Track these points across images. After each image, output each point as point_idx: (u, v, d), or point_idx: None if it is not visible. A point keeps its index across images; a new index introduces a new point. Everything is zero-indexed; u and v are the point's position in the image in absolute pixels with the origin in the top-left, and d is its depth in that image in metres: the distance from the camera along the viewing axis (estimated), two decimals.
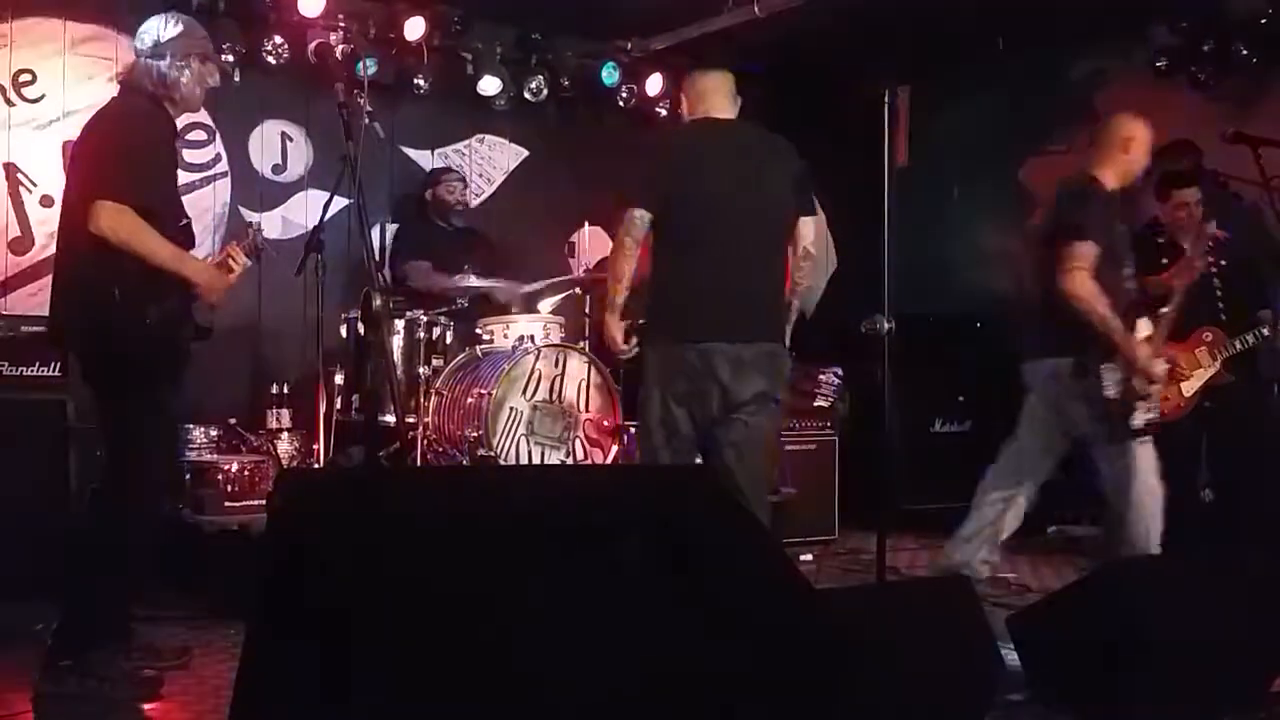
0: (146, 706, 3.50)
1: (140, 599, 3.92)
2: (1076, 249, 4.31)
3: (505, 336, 5.74)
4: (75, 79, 5.92)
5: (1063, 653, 3.38)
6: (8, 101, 5.83)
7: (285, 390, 5.83)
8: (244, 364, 6.35)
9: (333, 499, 2.11)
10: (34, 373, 4.80)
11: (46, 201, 5.81)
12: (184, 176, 5.77)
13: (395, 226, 6.76)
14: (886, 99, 4.42)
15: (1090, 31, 7.05)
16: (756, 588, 2.29)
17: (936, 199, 7.92)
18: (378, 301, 4.51)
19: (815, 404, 6.57)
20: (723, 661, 2.09)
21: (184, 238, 3.75)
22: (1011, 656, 3.48)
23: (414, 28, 6.54)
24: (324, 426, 5.08)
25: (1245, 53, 6.39)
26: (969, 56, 7.46)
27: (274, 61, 6.25)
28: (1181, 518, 4.61)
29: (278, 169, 6.60)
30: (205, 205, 6.27)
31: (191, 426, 5.52)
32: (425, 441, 5.53)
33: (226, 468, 5.20)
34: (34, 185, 5.88)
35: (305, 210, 6.50)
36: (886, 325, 4.41)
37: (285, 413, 5.76)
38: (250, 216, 6.36)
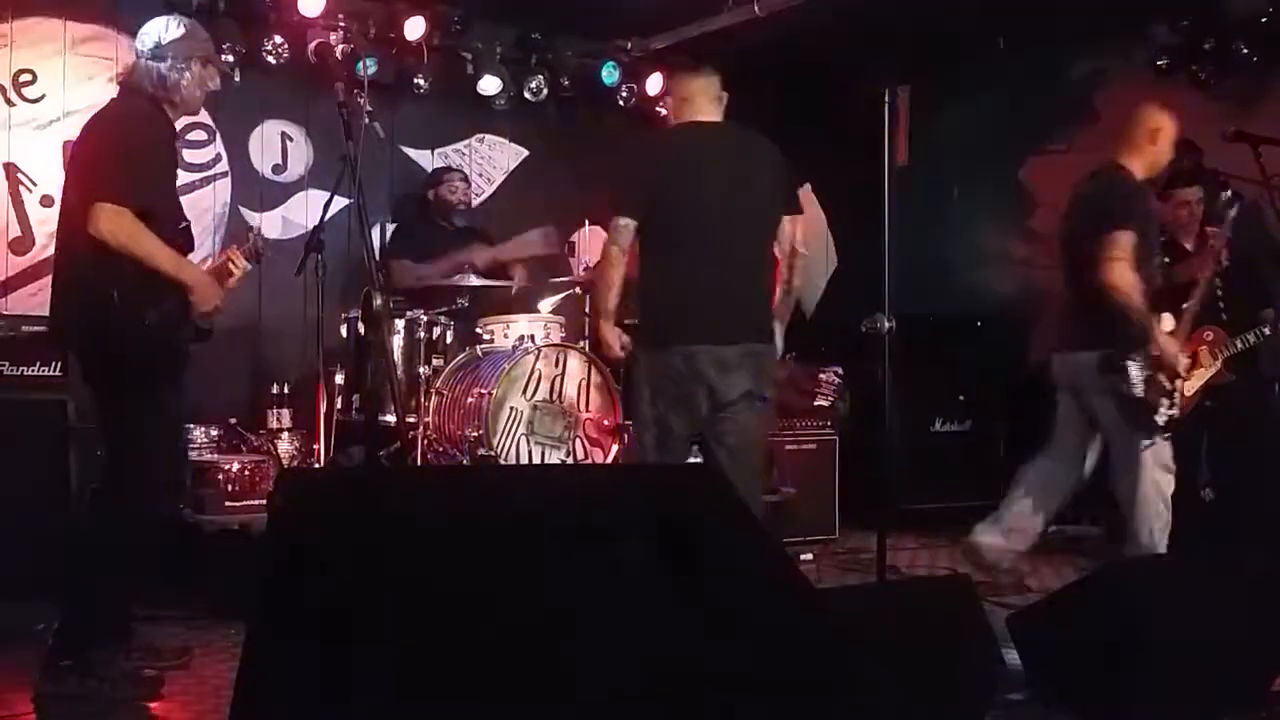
0: (147, 706, 3.50)
1: (140, 599, 3.93)
2: (1118, 239, 4.32)
3: (505, 336, 5.73)
4: (75, 79, 5.92)
5: (1063, 652, 3.38)
6: (8, 101, 5.83)
7: (285, 390, 5.83)
8: (244, 364, 6.34)
9: (333, 499, 2.11)
10: (34, 373, 4.80)
11: (47, 201, 5.80)
12: (184, 176, 5.77)
13: (395, 226, 6.76)
14: (886, 99, 4.43)
15: (1090, 31, 7.04)
16: (757, 588, 2.29)
17: (936, 199, 7.92)
18: (378, 301, 4.50)
19: (815, 403, 6.57)
20: (723, 661, 2.09)
21: (183, 240, 3.76)
22: (1012, 656, 3.48)
23: (414, 27, 6.54)
24: (324, 426, 5.08)
25: (1245, 52, 6.39)
26: (969, 56, 7.46)
27: (274, 61, 6.24)
28: (1181, 518, 4.62)
29: (278, 169, 6.60)
30: (205, 205, 6.27)
31: (192, 426, 5.52)
32: (425, 441, 5.53)
33: (227, 467, 5.20)
34: (34, 185, 5.88)
35: (305, 210, 6.50)
36: (887, 325, 4.42)
37: (286, 412, 5.76)
38: (250, 216, 6.36)
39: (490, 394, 5.35)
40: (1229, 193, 5.01)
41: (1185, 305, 4.68)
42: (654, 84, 7.36)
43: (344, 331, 5.86)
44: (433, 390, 5.59)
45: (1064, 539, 6.52)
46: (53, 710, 3.44)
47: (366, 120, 4.44)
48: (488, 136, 7.30)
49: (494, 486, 2.50)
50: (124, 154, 3.59)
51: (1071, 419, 4.74)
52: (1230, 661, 3.29)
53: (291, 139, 6.61)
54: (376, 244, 6.39)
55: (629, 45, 7.34)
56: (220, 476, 5.16)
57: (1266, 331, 5.20)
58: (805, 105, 7.60)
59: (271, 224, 6.50)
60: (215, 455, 5.46)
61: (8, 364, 4.77)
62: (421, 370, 5.59)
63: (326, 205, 4.81)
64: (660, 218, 4.15)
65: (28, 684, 3.51)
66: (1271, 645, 3.45)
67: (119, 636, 3.66)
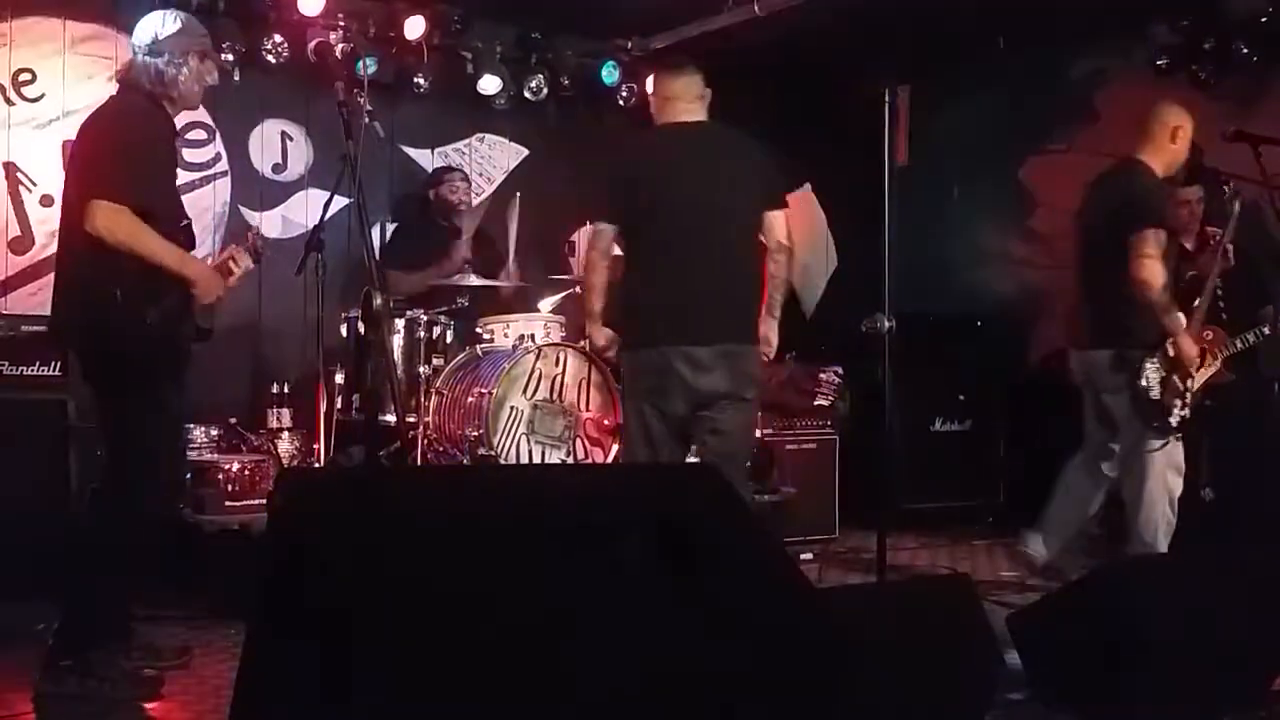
0: (147, 706, 3.50)
1: (141, 599, 3.93)
2: (1150, 236, 4.34)
3: (505, 336, 5.73)
4: (75, 78, 5.91)
5: (1063, 652, 3.38)
6: (7, 101, 5.83)
7: (286, 390, 5.82)
8: (244, 363, 6.34)
9: (333, 499, 2.10)
10: (34, 372, 4.80)
11: (46, 201, 5.80)
12: (184, 176, 5.77)
13: (395, 226, 6.77)
14: (886, 99, 4.43)
15: (1090, 31, 7.04)
16: (757, 588, 2.29)
17: (936, 198, 7.92)
18: (378, 301, 4.50)
19: (816, 403, 6.56)
20: (723, 661, 2.09)
21: (184, 238, 3.75)
22: (1012, 656, 3.48)
23: (414, 27, 6.53)
24: (324, 426, 5.08)
25: (1245, 51, 6.39)
26: (969, 56, 7.45)
27: (274, 61, 6.24)
28: (1181, 518, 4.62)
29: (278, 168, 6.60)
30: (205, 205, 6.26)
31: (192, 426, 5.51)
32: (426, 441, 5.53)
33: (227, 467, 5.20)
34: (34, 184, 5.88)
35: (305, 209, 6.50)
36: (887, 324, 4.42)
37: (286, 412, 5.76)
38: (250, 216, 6.36)
39: (490, 393, 5.35)
40: (1231, 189, 5.01)
41: (1195, 304, 4.68)
42: None
43: (344, 331, 5.86)
44: (433, 390, 5.59)
45: None
46: (53, 710, 3.44)
47: (366, 120, 4.43)
48: (488, 136, 7.30)
49: (494, 486, 2.50)
50: (121, 151, 3.58)
51: (1093, 416, 4.76)
52: (1230, 661, 3.29)
53: (291, 138, 6.61)
54: (376, 243, 6.38)
55: (629, 45, 7.34)
56: (220, 476, 5.15)
57: (1266, 331, 5.20)
58: (805, 105, 7.60)
59: (271, 223, 6.49)
60: (215, 455, 5.46)
61: (7, 363, 4.76)
62: (421, 370, 5.59)
63: (326, 205, 4.81)
64: (637, 221, 4.22)
65: (28, 684, 3.50)
66: (1271, 645, 3.45)
67: (119, 636, 3.66)
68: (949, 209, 8.00)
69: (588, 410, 5.61)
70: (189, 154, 6.11)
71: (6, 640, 3.98)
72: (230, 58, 5.96)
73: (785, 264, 4.30)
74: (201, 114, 6.04)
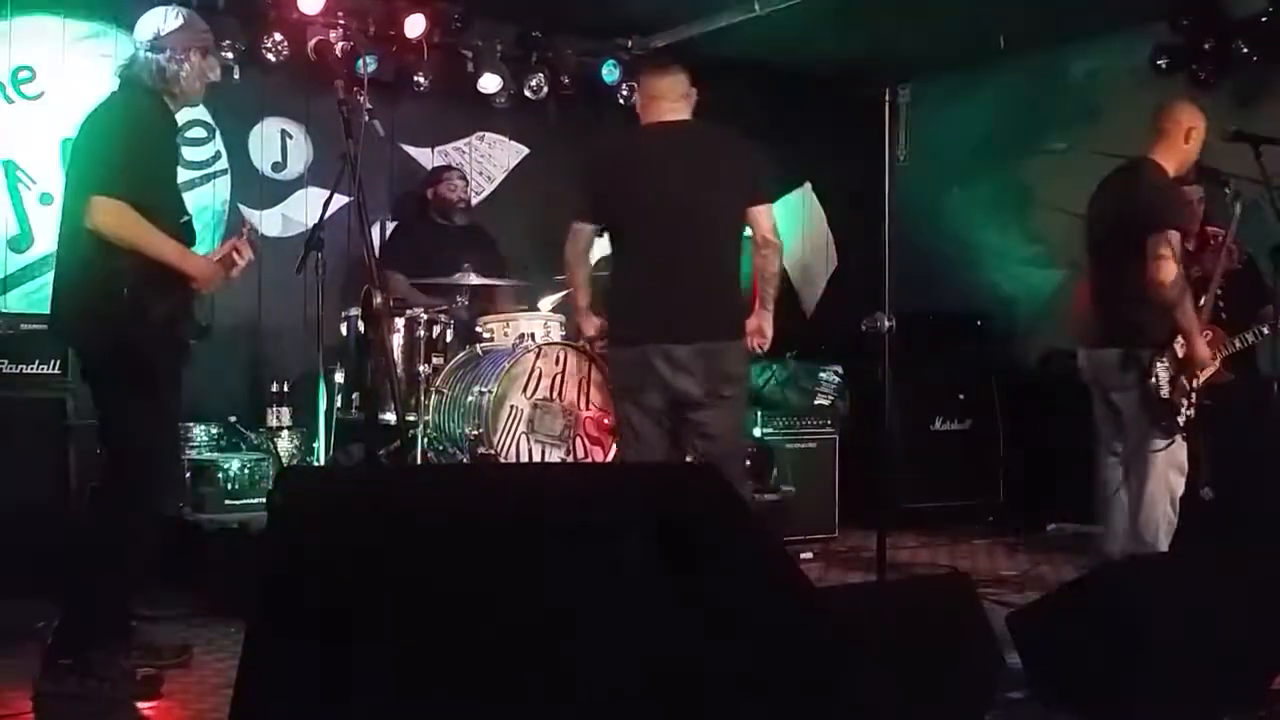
0: (147, 705, 3.50)
1: (141, 598, 3.93)
2: (1168, 238, 4.34)
3: (505, 334, 5.73)
4: (74, 76, 5.91)
5: (1063, 651, 3.38)
6: (7, 98, 5.82)
7: (285, 388, 5.82)
8: (244, 362, 6.35)
9: (333, 497, 2.10)
10: (34, 370, 4.80)
11: (46, 199, 5.80)
12: (184, 174, 5.76)
13: (394, 225, 6.76)
14: (887, 99, 4.43)
15: (1090, 31, 7.04)
16: (757, 588, 2.29)
17: (937, 198, 7.92)
18: (378, 299, 4.51)
19: (816, 402, 6.57)
20: (723, 661, 2.09)
21: (185, 234, 3.75)
22: (1011, 655, 3.48)
23: (414, 25, 6.53)
24: (324, 424, 5.07)
25: (1245, 51, 6.39)
26: (969, 56, 7.46)
27: (274, 59, 6.24)
28: (1181, 518, 4.62)
29: (277, 166, 6.60)
30: (205, 203, 6.26)
31: (192, 424, 5.52)
32: (425, 440, 5.53)
33: (227, 466, 5.20)
34: (33, 182, 5.87)
35: (305, 208, 6.49)
36: (887, 323, 4.42)
37: (285, 411, 5.75)
38: (250, 214, 6.35)
39: (490, 392, 5.35)
40: (1233, 190, 5.01)
41: (1200, 304, 4.68)
42: None
43: (344, 330, 5.86)
44: (433, 388, 5.59)
45: (1065, 537, 6.54)
46: (53, 709, 3.43)
47: (366, 118, 4.43)
48: (488, 134, 7.29)
49: (494, 485, 2.50)
50: (123, 146, 3.58)
51: (1103, 415, 4.76)
52: (1230, 661, 3.29)
53: (291, 137, 6.61)
54: (376, 242, 6.38)
55: (629, 44, 7.33)
56: (220, 475, 5.16)
57: (1265, 330, 5.19)
58: (805, 105, 7.60)
59: (271, 222, 6.50)
60: (215, 453, 5.46)
61: (7, 362, 4.77)
62: (421, 368, 5.59)
63: (326, 203, 4.80)
64: (618, 219, 4.27)
65: (28, 683, 3.50)
66: (1271, 645, 3.45)
67: (119, 635, 3.65)
68: (949, 208, 8.00)
69: (587, 409, 5.61)
70: (189, 152, 6.11)
71: (6, 639, 3.98)
72: (230, 56, 5.96)
73: (773, 258, 4.31)
74: (201, 112, 6.04)
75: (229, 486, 5.15)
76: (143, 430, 3.62)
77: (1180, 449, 4.53)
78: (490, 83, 6.92)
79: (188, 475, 5.11)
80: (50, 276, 3.89)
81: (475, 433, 5.36)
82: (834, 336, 6.92)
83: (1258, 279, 5.48)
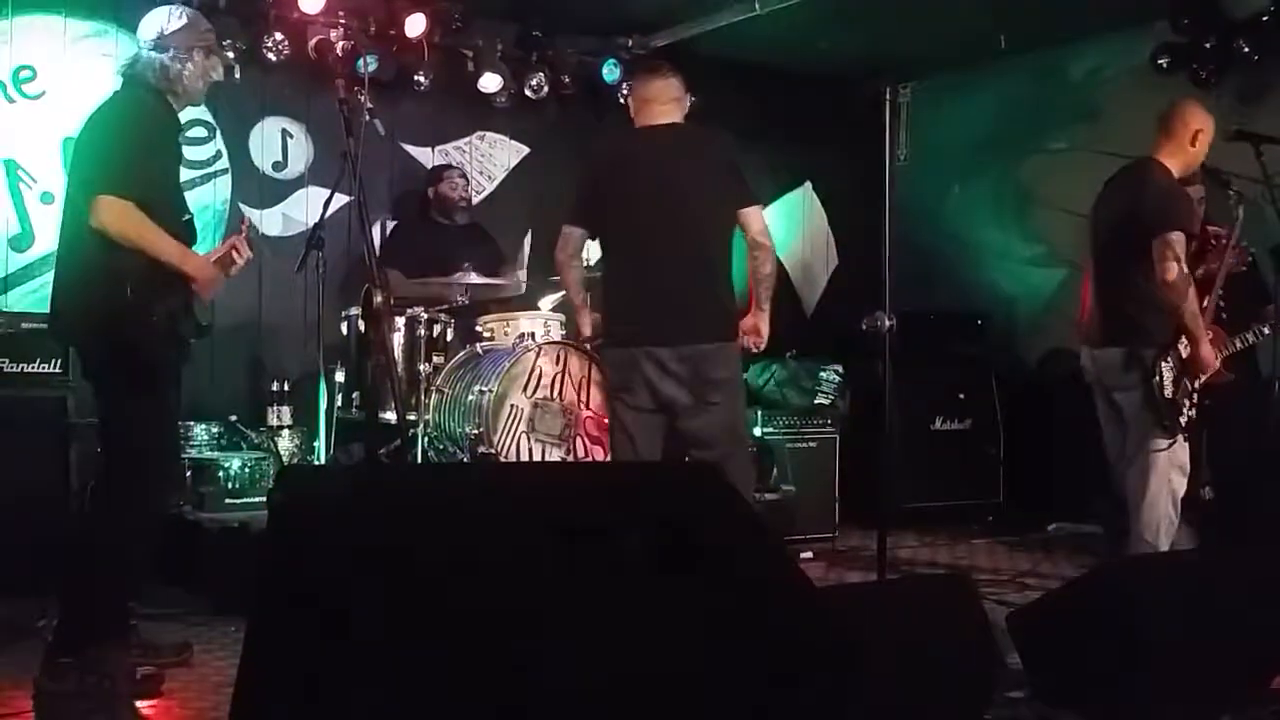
0: (147, 703, 3.50)
1: (141, 596, 3.93)
2: (1175, 239, 4.34)
3: (506, 334, 5.74)
4: (75, 75, 5.91)
5: (1063, 651, 3.38)
6: (8, 98, 5.83)
7: (286, 387, 5.82)
8: (245, 361, 6.35)
9: (333, 496, 2.11)
10: (35, 369, 4.80)
11: (47, 198, 5.80)
12: (185, 174, 5.73)
13: (394, 225, 6.76)
14: (887, 98, 4.43)
15: (1090, 30, 7.05)
16: (757, 587, 2.29)
17: (937, 197, 7.93)
18: (378, 298, 4.50)
19: (816, 402, 6.57)
20: (723, 661, 2.09)
21: (187, 233, 3.75)
22: (1011, 655, 3.48)
23: (414, 25, 6.54)
24: (325, 423, 5.08)
25: (1246, 50, 6.39)
26: (969, 56, 7.46)
27: (274, 58, 6.24)
28: (1182, 517, 4.62)
29: (278, 166, 6.60)
30: (206, 202, 6.26)
31: (192, 423, 5.53)
32: (426, 439, 5.53)
33: (227, 465, 5.21)
34: (34, 181, 5.88)
35: (306, 207, 6.50)
36: (887, 323, 4.42)
37: (286, 410, 5.76)
38: (251, 214, 6.35)
39: (490, 391, 5.35)
40: (1236, 194, 5.01)
41: (1204, 304, 4.68)
42: None
43: (344, 329, 5.86)
44: (433, 388, 5.59)
45: (1066, 535, 6.55)
46: (53, 707, 3.43)
47: (367, 117, 4.44)
48: (488, 134, 7.30)
49: (494, 485, 2.51)
50: (127, 146, 3.59)
51: (1107, 415, 4.76)
52: (1230, 661, 3.29)
53: (292, 136, 6.61)
54: (377, 241, 6.38)
55: (630, 43, 7.34)
56: (221, 474, 5.16)
57: (1266, 330, 5.20)
58: (805, 105, 7.60)
59: (272, 221, 6.50)
60: (216, 452, 5.47)
61: (8, 361, 4.77)
62: (422, 368, 5.59)
63: (327, 202, 4.80)
64: (608, 223, 4.32)
65: (28, 680, 3.50)
66: (1271, 645, 3.45)
67: (119, 634, 3.65)
68: (950, 207, 8.01)
69: (588, 408, 5.61)
70: (190, 151, 6.09)
71: (7, 637, 3.98)
72: (231, 55, 5.96)
73: (765, 260, 4.32)
74: (202, 111, 6.04)
75: (229, 485, 5.15)
76: (143, 429, 3.62)
77: (1182, 449, 4.53)
78: (491, 82, 6.92)
79: (188, 474, 5.11)
80: (51, 275, 3.89)
81: (475, 432, 5.36)
82: (834, 336, 6.92)
83: (1258, 279, 5.49)
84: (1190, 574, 3.53)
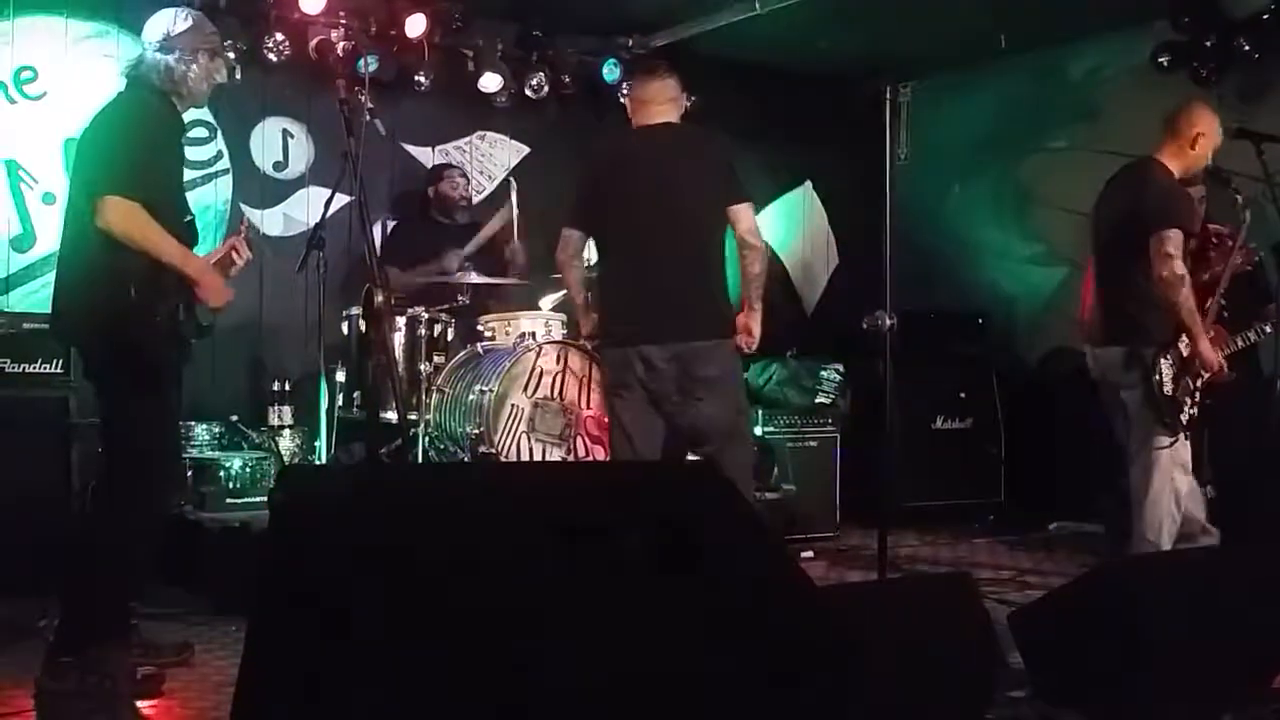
0: (148, 703, 3.50)
1: (142, 596, 3.93)
2: (1172, 237, 4.35)
3: (507, 334, 5.74)
4: (77, 76, 5.91)
5: (1064, 650, 3.38)
6: (9, 98, 5.83)
7: (287, 387, 5.83)
8: (245, 361, 6.35)
9: (334, 496, 2.11)
10: (36, 369, 4.80)
11: (48, 199, 5.81)
12: (186, 174, 5.75)
13: (394, 224, 6.77)
14: (887, 98, 4.44)
15: (1090, 29, 7.04)
16: (757, 587, 2.29)
17: (938, 196, 7.93)
18: (379, 298, 4.51)
19: (816, 401, 6.57)
20: (723, 661, 2.09)
21: (188, 234, 3.75)
22: (1012, 654, 3.48)
23: (415, 25, 6.54)
24: (325, 423, 5.08)
25: (1247, 49, 6.38)
26: (969, 56, 7.46)
27: (275, 59, 6.24)
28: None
29: (279, 166, 6.60)
30: (207, 202, 6.27)
31: (193, 423, 5.53)
32: (427, 438, 5.54)
33: (228, 464, 5.21)
34: (35, 182, 5.88)
35: (306, 207, 6.50)
36: (888, 322, 4.42)
37: (287, 409, 5.77)
38: (251, 214, 6.36)
39: (491, 391, 5.35)
40: (1241, 199, 5.01)
41: (1207, 304, 4.69)
42: None
43: (345, 328, 5.86)
44: (434, 387, 5.60)
45: (1067, 534, 6.55)
46: (53, 707, 3.43)
47: (367, 117, 4.44)
48: (489, 134, 7.30)
49: (494, 484, 2.51)
50: (132, 147, 3.59)
51: (1113, 413, 4.76)
52: (1230, 661, 3.29)
53: (293, 136, 6.61)
54: (378, 241, 6.38)
55: (630, 43, 7.34)
56: (222, 473, 5.17)
57: (1267, 329, 5.20)
58: (805, 104, 7.60)
59: (273, 221, 6.51)
60: (217, 452, 5.47)
61: (9, 361, 4.77)
62: (422, 367, 5.59)
63: (328, 202, 4.81)
64: (603, 223, 4.37)
65: (29, 680, 3.50)
66: (1273, 644, 3.45)
67: (120, 633, 3.66)
68: (950, 206, 8.01)
69: (588, 408, 5.61)
70: (191, 152, 6.07)
71: (8, 636, 3.98)
72: (232, 56, 5.96)
73: (754, 259, 4.33)
74: (203, 112, 6.04)
75: (230, 485, 5.16)
76: (145, 429, 3.63)
77: (1184, 447, 4.54)
78: (491, 82, 6.92)
79: (189, 474, 5.11)
80: (53, 276, 3.90)
81: (476, 432, 5.36)
82: (835, 335, 6.92)
83: (1260, 277, 5.49)
84: (1192, 573, 3.53)
